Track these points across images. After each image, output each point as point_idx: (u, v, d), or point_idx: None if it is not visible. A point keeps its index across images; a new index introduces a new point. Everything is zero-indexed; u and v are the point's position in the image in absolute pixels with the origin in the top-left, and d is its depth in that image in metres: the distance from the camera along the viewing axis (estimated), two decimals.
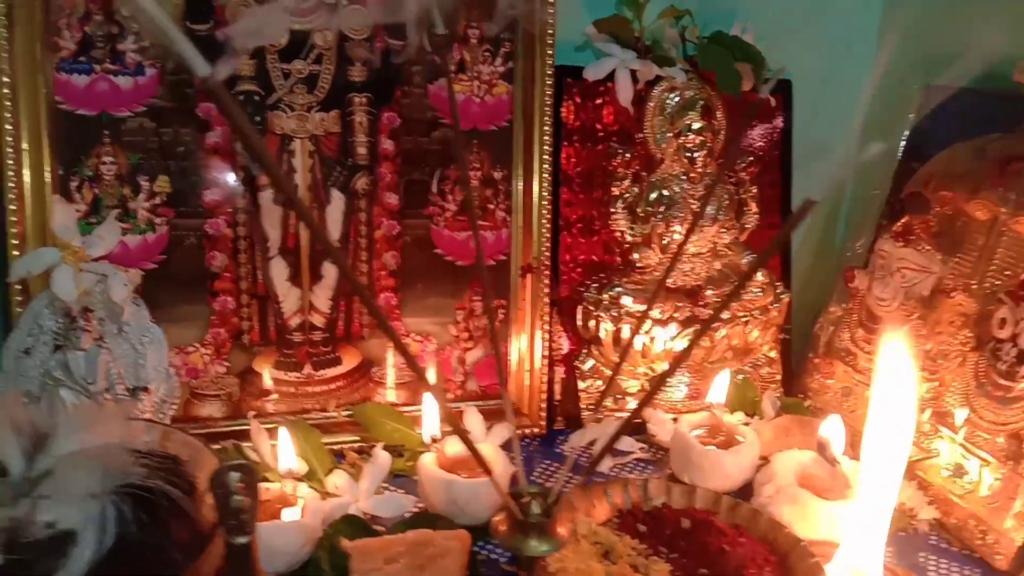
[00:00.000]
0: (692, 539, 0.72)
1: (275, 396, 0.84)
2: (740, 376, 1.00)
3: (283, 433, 0.71)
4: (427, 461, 0.75)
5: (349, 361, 0.86)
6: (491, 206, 0.89)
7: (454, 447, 0.79)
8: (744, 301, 0.98)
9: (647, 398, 0.53)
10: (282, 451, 0.71)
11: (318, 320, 0.85)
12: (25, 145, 0.72)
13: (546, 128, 0.88)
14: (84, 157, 0.75)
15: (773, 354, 1.03)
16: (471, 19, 0.85)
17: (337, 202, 0.84)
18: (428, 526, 0.69)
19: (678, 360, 0.52)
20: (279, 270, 0.82)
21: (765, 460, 0.84)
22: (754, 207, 1.00)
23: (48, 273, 0.72)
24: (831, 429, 0.80)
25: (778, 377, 1.03)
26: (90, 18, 0.74)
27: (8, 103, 0.71)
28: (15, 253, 0.73)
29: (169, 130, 0.78)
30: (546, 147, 0.88)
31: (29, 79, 0.72)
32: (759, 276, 0.98)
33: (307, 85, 0.81)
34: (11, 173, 0.72)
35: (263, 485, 0.71)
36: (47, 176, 0.74)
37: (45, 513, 0.47)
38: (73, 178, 0.75)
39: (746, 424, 0.92)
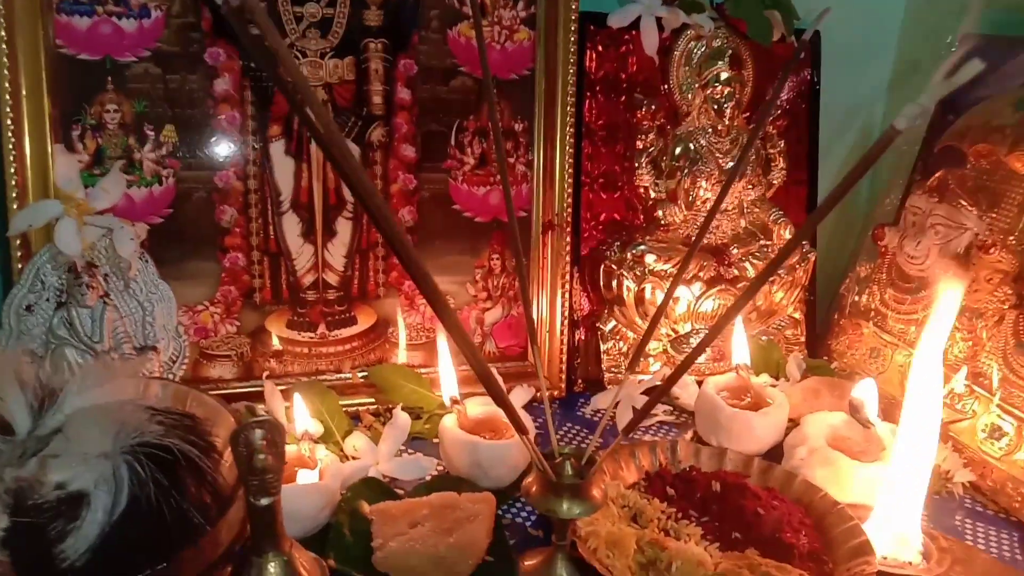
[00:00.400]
0: (724, 502, 0.70)
1: (285, 357, 0.80)
2: (764, 338, 0.97)
3: (297, 397, 0.68)
4: (449, 423, 0.72)
5: (364, 321, 0.83)
6: (511, 159, 0.85)
7: (476, 408, 0.76)
8: (770, 259, 0.94)
9: (683, 366, 0.50)
10: (298, 412, 0.68)
11: (332, 278, 0.81)
12: (24, 91, 0.68)
13: (570, 78, 0.84)
14: (87, 105, 0.71)
15: (797, 315, 1.00)
16: None
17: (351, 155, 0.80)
18: (451, 489, 0.67)
19: (714, 332, 0.49)
20: (291, 226, 0.79)
21: (793, 423, 0.82)
22: (781, 162, 0.96)
23: (50, 227, 0.68)
24: (865, 391, 0.78)
25: (802, 339, 1.00)
26: None
27: (5, 46, 0.67)
28: (14, 206, 0.69)
29: (176, 77, 0.73)
30: (570, 98, 0.84)
31: (28, 20, 0.68)
32: (786, 234, 0.95)
33: (320, 30, 0.77)
34: (9, 122, 0.68)
35: None
36: (47, 125, 0.70)
37: (55, 473, 0.44)
38: (75, 127, 0.71)
39: (773, 387, 0.89)
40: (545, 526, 0.69)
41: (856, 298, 0.97)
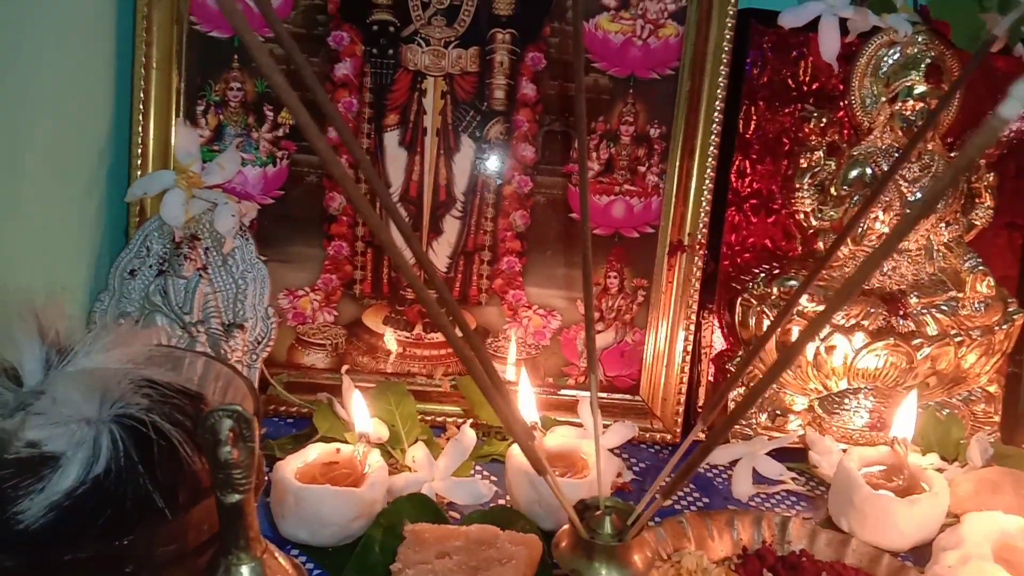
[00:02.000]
0: None
1: (378, 354, 0.77)
2: (945, 411, 0.79)
3: (356, 394, 0.64)
4: (517, 450, 0.65)
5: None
6: (642, 168, 0.76)
7: (556, 439, 0.68)
8: (960, 316, 0.77)
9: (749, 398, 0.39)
10: (356, 412, 0.64)
11: None
12: (155, 65, 0.71)
13: (720, 80, 0.74)
14: (213, 81, 0.73)
15: (993, 388, 0.81)
16: None
17: (467, 150, 0.75)
18: (504, 524, 0.59)
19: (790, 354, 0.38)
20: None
21: (956, 519, 0.65)
22: (988, 200, 0.79)
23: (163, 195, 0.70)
24: None
25: (996, 418, 0.81)
26: None
27: (145, 20, 0.70)
28: (138, 173, 0.72)
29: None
30: (718, 103, 0.74)
31: None
32: (982, 288, 0.77)
33: (447, 17, 0.73)
34: (141, 94, 0.71)
35: (338, 447, 0.65)
36: (174, 98, 0.72)
37: (32, 431, 0.43)
38: (200, 102, 0.73)
39: (940, 471, 0.72)
40: None
41: None
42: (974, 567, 0.58)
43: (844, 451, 0.73)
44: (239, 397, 0.52)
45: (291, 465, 0.60)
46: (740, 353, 0.79)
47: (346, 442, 0.66)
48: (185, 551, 0.44)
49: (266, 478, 0.61)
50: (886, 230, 0.76)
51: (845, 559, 0.61)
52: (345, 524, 0.58)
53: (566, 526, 0.49)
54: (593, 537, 0.47)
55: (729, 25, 0.73)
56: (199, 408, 0.47)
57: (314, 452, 0.63)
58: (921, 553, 0.64)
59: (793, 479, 0.74)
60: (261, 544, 0.45)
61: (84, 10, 0.70)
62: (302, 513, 0.58)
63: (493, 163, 0.76)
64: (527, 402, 0.67)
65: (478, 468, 0.71)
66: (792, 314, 0.76)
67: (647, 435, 0.78)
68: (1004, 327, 0.78)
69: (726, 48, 0.73)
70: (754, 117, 0.78)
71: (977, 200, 0.79)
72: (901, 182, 0.76)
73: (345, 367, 0.73)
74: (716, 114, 0.74)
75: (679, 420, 0.78)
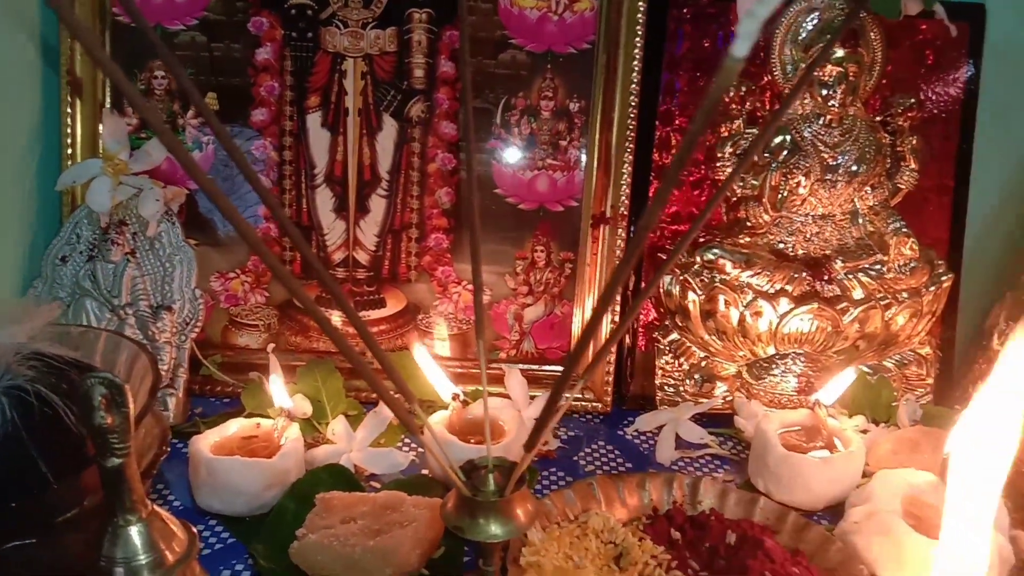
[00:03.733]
0: (732, 559, 0.57)
1: (310, 333, 0.79)
2: (875, 375, 0.80)
3: (274, 376, 0.66)
4: (434, 420, 0.66)
5: (394, 304, 0.79)
6: (563, 142, 0.77)
7: (479, 408, 0.69)
8: (886, 280, 0.78)
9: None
10: (274, 389, 0.66)
11: (363, 257, 0.78)
12: (79, 57, 0.73)
13: (636, 53, 0.75)
14: (137, 71, 0.75)
15: (926, 351, 0.81)
16: None
17: (389, 129, 0.77)
18: (421, 492, 0.61)
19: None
20: (324, 200, 0.77)
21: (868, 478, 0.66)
22: (912, 163, 0.79)
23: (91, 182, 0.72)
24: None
25: (929, 380, 0.81)
26: None
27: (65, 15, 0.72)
28: (68, 163, 0.74)
29: (220, 45, 0.75)
30: (634, 76, 0.75)
31: None
32: (906, 251, 0.77)
33: None
34: (67, 84, 0.73)
35: (258, 422, 0.66)
36: (100, 88, 0.74)
37: None
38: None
39: (863, 431, 0.73)
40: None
41: (999, 337, 0.77)
42: (879, 521, 0.59)
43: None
44: (142, 370, 0.54)
45: (208, 439, 0.62)
46: (667, 322, 0.80)
47: (270, 417, 0.68)
48: (80, 515, 0.46)
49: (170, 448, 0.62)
50: (807, 195, 0.77)
51: (753, 516, 0.62)
52: (257, 493, 0.60)
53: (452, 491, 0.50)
54: (475, 495, 0.49)
55: None
56: (74, 377, 0.49)
57: (233, 427, 0.65)
58: (836, 512, 0.65)
59: (720, 444, 0.75)
60: (147, 507, 0.46)
61: (9, 4, 0.72)
62: (215, 484, 0.60)
63: (416, 141, 0.77)
64: (434, 375, 0.68)
65: (406, 440, 0.73)
66: (716, 283, 0.77)
67: (579, 404, 0.79)
68: (932, 289, 0.79)
69: (640, 20, 0.74)
70: (675, 89, 0.79)
71: (902, 163, 0.79)
72: (822, 147, 0.77)
73: (271, 345, 0.75)
74: (633, 87, 0.75)
75: (609, 390, 0.79)
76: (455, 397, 0.69)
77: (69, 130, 0.74)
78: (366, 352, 0.45)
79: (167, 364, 0.71)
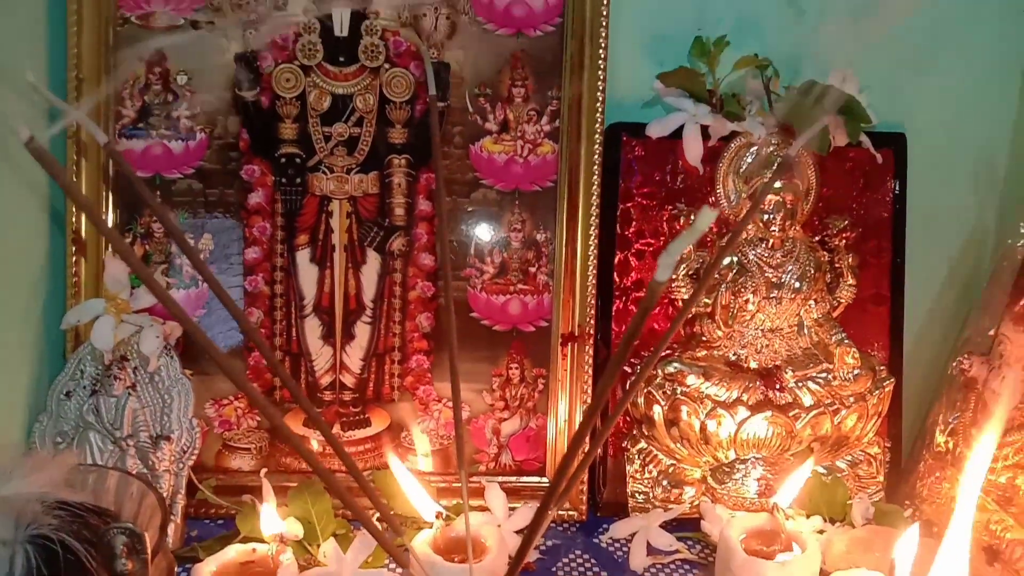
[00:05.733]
0: None
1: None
2: (829, 475, 0.86)
3: (266, 484, 0.71)
4: (418, 540, 0.71)
5: (378, 423, 0.84)
6: (532, 269, 0.84)
7: (461, 524, 0.74)
8: (833, 387, 0.85)
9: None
10: (264, 515, 0.70)
11: (348, 380, 0.84)
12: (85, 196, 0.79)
13: (594, 189, 0.83)
14: (138, 216, 0.81)
15: (875, 450, 0.88)
16: (516, 79, 0.82)
17: (373, 262, 0.83)
18: None
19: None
20: (313, 328, 0.83)
21: None
22: (850, 278, 0.87)
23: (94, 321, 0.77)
24: (907, 547, 0.66)
25: (880, 478, 0.87)
26: (149, 87, 0.80)
27: (75, 167, 0.79)
28: (72, 302, 0.79)
29: (215, 191, 0.82)
30: (594, 209, 0.83)
31: (93, 144, 0.79)
32: (849, 360, 0.85)
33: (347, 147, 0.82)
34: (72, 231, 0.79)
35: (254, 547, 0.70)
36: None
37: None
38: (127, 235, 0.81)
39: (820, 531, 0.79)
40: None
41: (940, 436, 0.84)
42: None
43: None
44: (150, 510, 0.59)
45: (208, 567, 0.66)
46: (635, 431, 0.86)
47: (265, 541, 0.72)
48: None
49: None
50: (756, 311, 0.84)
51: None
52: None
53: None
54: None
55: (598, 142, 0.82)
56: (93, 524, 0.54)
57: (232, 552, 0.69)
58: None
59: (689, 548, 0.80)
60: None
61: (23, 166, 0.78)
62: None
63: (397, 272, 0.84)
64: (415, 494, 0.73)
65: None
66: (678, 394, 0.83)
67: (556, 514, 0.84)
68: (876, 392, 0.86)
69: (597, 160, 0.82)
70: (631, 218, 0.87)
71: (841, 279, 0.87)
72: (766, 268, 0.85)
73: (264, 470, 0.79)
74: (593, 219, 0.83)
75: (584, 498, 0.85)
76: (439, 516, 0.73)
77: (74, 271, 0.79)
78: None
79: (167, 491, 0.75)
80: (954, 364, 0.84)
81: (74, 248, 0.79)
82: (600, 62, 0.81)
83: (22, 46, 0.79)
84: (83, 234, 0.79)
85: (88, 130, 0.33)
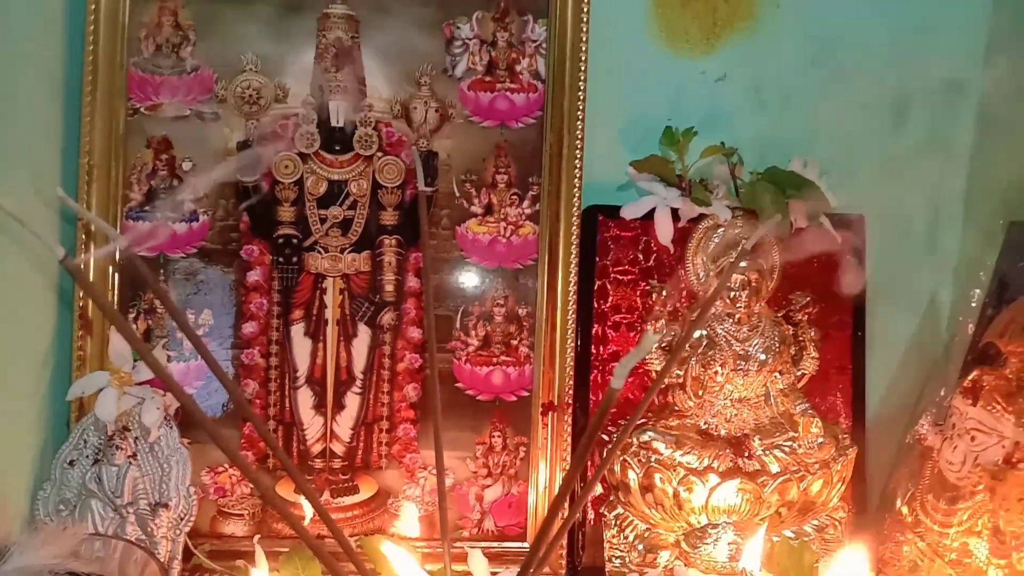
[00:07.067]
0: None
1: (307, 521, 0.87)
2: (798, 539, 0.90)
3: (259, 551, 0.75)
4: None
5: (366, 490, 0.89)
6: (514, 342, 0.89)
7: None
8: (799, 454, 0.89)
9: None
10: None
11: (338, 448, 0.88)
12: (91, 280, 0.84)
13: (572, 267, 0.88)
14: (142, 293, 0.86)
15: (840, 515, 0.92)
16: (499, 166, 0.89)
17: (363, 335, 0.88)
18: None
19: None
20: (305, 399, 0.88)
21: None
22: (813, 351, 0.92)
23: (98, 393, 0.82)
24: None
25: (846, 541, 0.92)
26: (156, 173, 0.86)
27: (83, 248, 0.84)
28: (77, 374, 0.84)
29: (216, 269, 0.87)
30: (572, 286, 0.88)
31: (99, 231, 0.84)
32: (814, 429, 0.89)
33: (341, 229, 0.88)
34: (77, 307, 0.84)
35: None
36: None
37: None
38: (131, 310, 0.86)
39: None
40: None
41: (899, 502, 0.89)
42: None
43: None
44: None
45: None
46: (611, 497, 0.90)
47: None
48: None
49: None
50: (723, 380, 0.89)
51: None
52: None
53: None
54: None
55: (575, 223, 0.88)
56: None
57: None
58: None
59: None
60: None
61: (32, 247, 0.83)
62: None
63: (387, 345, 0.89)
64: (405, 568, 0.76)
65: None
66: (652, 462, 0.88)
67: None
68: (840, 459, 0.90)
69: (574, 241, 0.88)
70: (607, 293, 0.92)
71: (804, 352, 0.93)
72: (733, 341, 0.90)
73: (257, 536, 0.83)
74: (571, 294, 0.88)
75: (563, 563, 0.88)
76: None
77: (79, 346, 0.84)
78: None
79: (164, 557, 0.78)
80: (911, 433, 0.89)
81: (80, 326, 0.83)
82: (577, 151, 0.88)
83: (39, 131, 0.85)
84: (90, 313, 0.83)
85: (115, 245, 0.38)
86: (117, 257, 0.84)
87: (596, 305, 0.92)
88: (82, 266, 0.79)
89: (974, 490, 0.77)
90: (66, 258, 0.41)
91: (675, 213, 0.91)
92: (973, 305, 0.91)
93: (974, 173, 0.99)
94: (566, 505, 0.87)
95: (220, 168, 0.74)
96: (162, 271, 0.86)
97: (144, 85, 0.85)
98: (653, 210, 0.91)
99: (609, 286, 0.93)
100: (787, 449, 0.90)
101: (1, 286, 0.79)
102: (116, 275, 0.85)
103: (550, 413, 0.89)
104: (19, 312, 0.82)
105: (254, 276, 0.87)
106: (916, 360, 1.01)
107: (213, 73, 0.86)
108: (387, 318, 0.88)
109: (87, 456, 0.81)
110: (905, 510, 0.88)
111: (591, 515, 0.92)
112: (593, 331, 0.92)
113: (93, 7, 0.82)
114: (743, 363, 0.90)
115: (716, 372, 0.90)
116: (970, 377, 0.81)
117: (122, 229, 0.85)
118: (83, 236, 0.85)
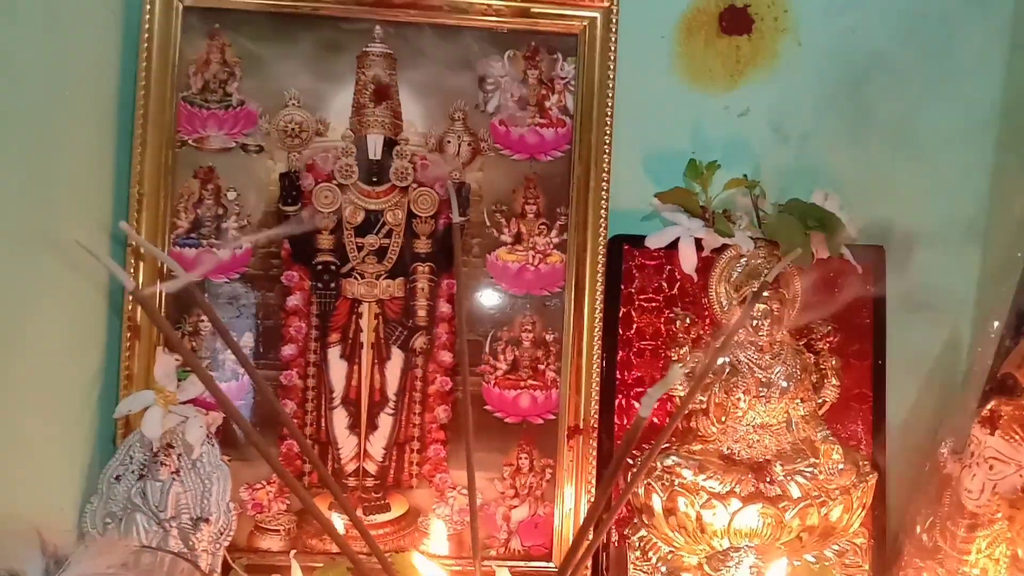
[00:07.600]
0: None
1: (324, 536, 0.90)
2: (818, 563, 0.92)
3: (295, 565, 0.78)
4: None
5: (398, 508, 0.91)
6: (541, 366, 0.92)
7: None
8: (819, 480, 0.91)
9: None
10: None
11: (371, 467, 0.91)
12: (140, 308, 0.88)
13: (598, 295, 0.91)
14: (186, 315, 0.90)
15: (860, 540, 0.94)
16: (528, 197, 0.92)
17: (396, 359, 0.92)
18: None
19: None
20: (340, 419, 0.91)
21: None
22: (834, 379, 0.94)
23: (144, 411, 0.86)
24: None
25: (866, 567, 0.93)
26: (202, 202, 0.90)
27: (132, 271, 0.88)
28: (124, 393, 0.88)
29: (257, 293, 0.91)
30: (598, 313, 0.91)
31: (150, 255, 0.88)
32: (835, 455, 0.91)
33: (377, 256, 0.91)
34: (126, 330, 0.88)
35: None
36: (154, 331, 0.89)
37: None
38: (176, 332, 0.90)
39: None
40: None
41: (919, 529, 0.90)
42: None
43: None
44: None
45: None
46: (635, 520, 0.93)
47: None
48: None
49: None
50: (746, 407, 0.92)
51: None
52: None
53: None
54: None
55: (601, 253, 0.91)
56: None
57: None
58: None
59: None
60: None
61: (81, 272, 0.87)
62: None
63: (419, 368, 0.92)
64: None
65: None
66: (675, 486, 0.90)
67: None
68: (860, 486, 0.92)
69: (600, 269, 0.91)
70: (632, 320, 0.95)
71: (825, 380, 0.95)
72: (756, 369, 0.92)
73: (293, 551, 0.86)
74: (597, 321, 0.91)
75: None
76: None
77: (127, 366, 0.88)
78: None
79: (205, 570, 0.82)
80: (931, 461, 0.91)
81: (129, 334, 0.87)
82: (604, 183, 0.91)
83: (92, 162, 0.90)
84: (138, 320, 0.87)
85: (180, 280, 0.42)
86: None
87: (621, 331, 0.95)
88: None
89: (993, 518, 0.79)
90: (137, 289, 0.45)
91: (698, 243, 0.94)
92: (992, 336, 0.93)
93: (992, 206, 1.01)
94: (592, 528, 0.90)
95: (274, 229, 0.79)
96: (206, 295, 0.90)
97: (192, 118, 0.90)
98: (677, 240, 0.94)
99: (634, 313, 0.96)
100: (808, 475, 0.92)
101: (51, 310, 0.83)
102: (163, 300, 0.89)
103: (576, 436, 0.91)
104: (70, 334, 0.86)
105: (294, 300, 0.91)
106: (936, 389, 1.03)
107: (258, 108, 0.90)
108: (419, 342, 0.92)
109: (133, 471, 0.85)
110: (925, 537, 0.90)
111: (615, 537, 0.94)
112: (618, 357, 0.95)
113: (146, 45, 0.87)
114: (765, 390, 0.92)
115: (739, 399, 0.92)
116: (988, 407, 0.83)
117: (169, 255, 0.89)
118: (132, 260, 0.89)
